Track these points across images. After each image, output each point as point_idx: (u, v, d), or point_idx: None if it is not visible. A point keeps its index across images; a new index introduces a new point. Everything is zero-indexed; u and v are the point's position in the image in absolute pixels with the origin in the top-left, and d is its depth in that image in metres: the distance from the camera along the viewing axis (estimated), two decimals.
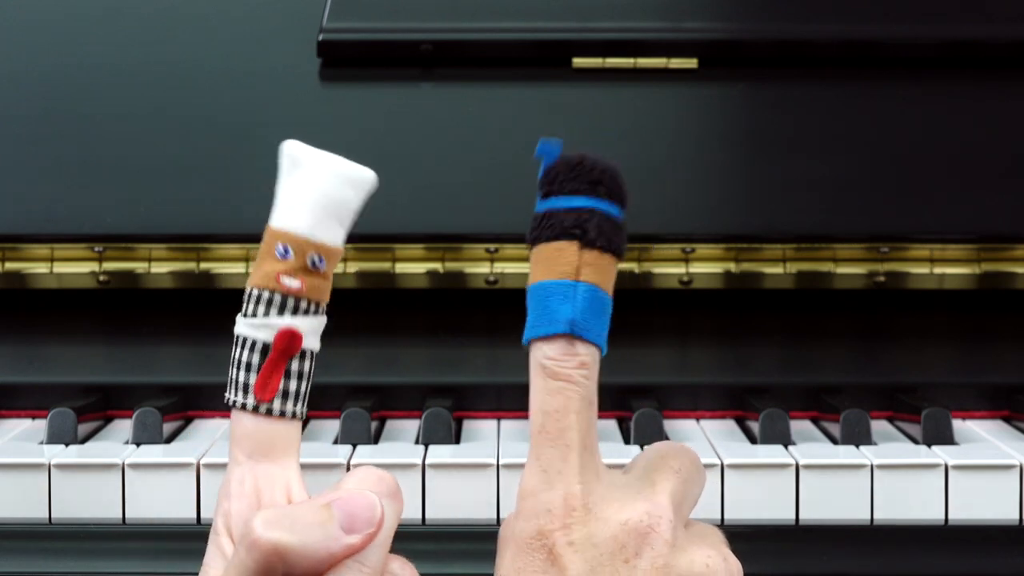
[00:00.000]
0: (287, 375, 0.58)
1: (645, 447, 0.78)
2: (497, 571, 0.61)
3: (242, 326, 0.59)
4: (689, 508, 0.61)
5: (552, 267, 0.58)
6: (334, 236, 0.60)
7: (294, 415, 0.58)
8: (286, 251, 0.59)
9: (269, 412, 0.58)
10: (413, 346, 0.91)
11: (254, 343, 0.59)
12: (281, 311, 0.59)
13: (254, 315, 0.58)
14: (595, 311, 0.58)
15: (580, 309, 0.58)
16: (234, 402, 0.58)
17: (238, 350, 0.59)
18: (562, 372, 0.58)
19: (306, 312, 0.59)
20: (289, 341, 0.59)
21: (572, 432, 0.58)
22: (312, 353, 0.59)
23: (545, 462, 0.58)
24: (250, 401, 0.58)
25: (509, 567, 0.59)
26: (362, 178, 0.60)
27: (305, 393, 0.58)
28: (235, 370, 0.59)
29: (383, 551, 0.53)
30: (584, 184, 0.59)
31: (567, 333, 0.58)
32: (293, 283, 0.59)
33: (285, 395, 0.58)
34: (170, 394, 0.87)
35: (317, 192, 0.60)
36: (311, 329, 0.59)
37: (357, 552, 0.51)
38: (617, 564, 0.57)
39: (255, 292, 0.59)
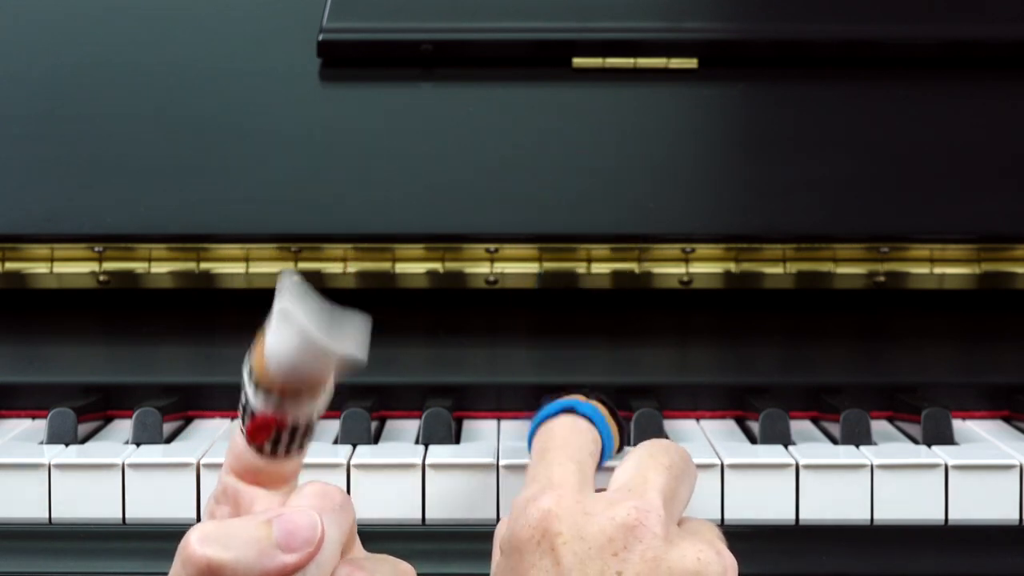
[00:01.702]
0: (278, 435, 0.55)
1: (636, 445, 0.78)
2: (492, 564, 0.62)
3: (245, 368, 0.55)
4: (681, 503, 0.62)
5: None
6: (310, 402, 0.56)
7: (288, 453, 0.55)
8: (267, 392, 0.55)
9: (259, 451, 0.55)
10: (413, 346, 0.91)
11: (247, 394, 0.55)
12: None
13: (248, 378, 0.55)
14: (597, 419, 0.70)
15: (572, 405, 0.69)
16: (239, 419, 0.56)
17: (243, 378, 0.55)
18: (572, 435, 0.68)
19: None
20: (265, 425, 0.55)
21: (565, 459, 0.65)
22: (310, 421, 0.55)
23: (541, 473, 0.63)
24: (244, 433, 0.56)
25: (503, 560, 0.60)
26: (345, 356, 0.56)
27: (303, 442, 0.55)
28: (241, 393, 0.55)
29: (327, 568, 0.52)
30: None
31: (593, 420, 0.68)
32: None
33: (276, 444, 0.55)
34: (170, 394, 0.87)
35: (296, 365, 0.55)
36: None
37: (294, 571, 0.50)
38: (606, 558, 0.58)
39: (251, 368, 0.55)
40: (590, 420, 0.68)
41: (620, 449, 0.73)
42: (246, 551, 0.50)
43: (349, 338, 0.56)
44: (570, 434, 0.66)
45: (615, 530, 0.58)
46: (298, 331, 0.55)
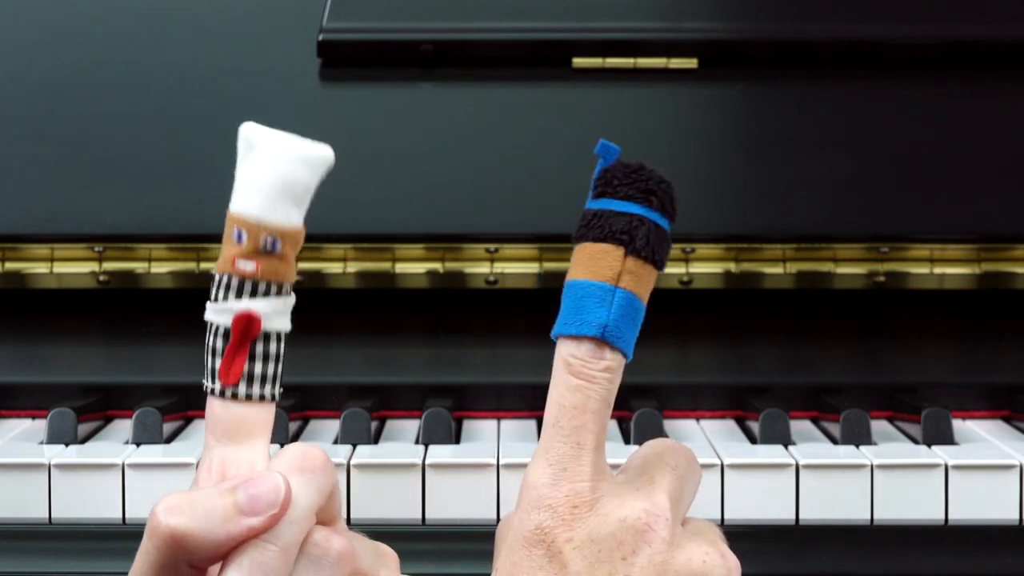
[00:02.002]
0: (251, 358, 0.58)
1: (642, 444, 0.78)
2: (495, 563, 0.61)
3: (208, 312, 0.58)
4: (686, 505, 0.62)
5: (594, 268, 0.58)
6: (288, 217, 0.60)
7: (262, 397, 0.57)
8: (240, 235, 0.60)
9: (235, 396, 0.58)
10: (413, 346, 0.91)
11: (217, 328, 0.58)
12: (239, 295, 0.59)
13: (215, 300, 0.58)
14: (628, 319, 0.59)
15: (615, 315, 0.58)
16: (205, 387, 0.58)
17: (208, 336, 0.58)
18: (586, 372, 0.59)
19: (266, 294, 0.59)
20: (247, 324, 0.58)
21: (586, 431, 0.59)
22: (280, 335, 0.58)
23: (554, 457, 0.58)
24: (217, 386, 0.58)
25: (506, 560, 0.59)
26: (317, 156, 0.61)
27: (275, 375, 0.58)
28: (207, 356, 0.58)
29: (298, 528, 0.53)
30: (639, 192, 0.59)
31: (597, 337, 0.58)
32: (248, 266, 0.59)
33: (250, 378, 0.58)
34: (170, 394, 0.87)
35: (269, 174, 0.61)
36: (273, 310, 0.58)
37: (260, 533, 0.51)
38: (615, 561, 0.57)
39: (216, 276, 0.58)
40: (623, 353, 0.59)
41: None
42: (210, 518, 0.51)
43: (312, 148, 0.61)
44: (571, 392, 0.59)
45: (624, 533, 0.58)
46: (270, 146, 0.62)
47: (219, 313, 0.58)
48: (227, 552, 0.52)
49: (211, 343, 0.58)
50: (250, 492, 0.52)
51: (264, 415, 0.58)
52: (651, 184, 0.59)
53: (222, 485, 0.53)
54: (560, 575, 0.57)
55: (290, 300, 0.58)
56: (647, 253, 0.58)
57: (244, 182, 0.61)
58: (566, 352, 0.59)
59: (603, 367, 0.58)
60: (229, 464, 0.57)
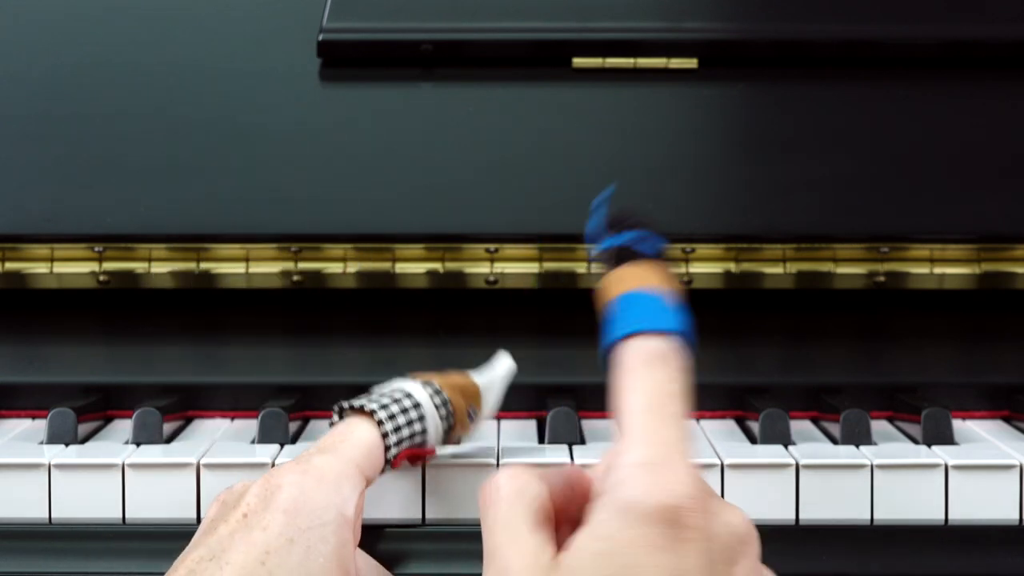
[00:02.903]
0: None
1: None
2: (597, 526, 0.55)
3: (423, 395, 0.70)
4: None
5: (637, 279, 0.63)
6: None
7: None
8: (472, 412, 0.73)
9: (385, 466, 0.69)
10: (413, 346, 0.91)
11: (423, 428, 0.70)
12: (446, 437, 0.72)
13: (435, 407, 0.71)
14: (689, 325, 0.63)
15: (667, 311, 0.62)
16: (381, 421, 0.67)
17: (412, 409, 0.69)
18: (679, 364, 0.60)
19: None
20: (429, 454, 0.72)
21: (682, 418, 0.58)
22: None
23: (664, 437, 0.56)
24: (391, 452, 0.68)
25: (619, 528, 0.54)
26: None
27: None
28: (404, 419, 0.68)
29: None
30: (638, 225, 0.67)
31: (683, 334, 0.61)
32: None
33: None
34: (170, 394, 0.87)
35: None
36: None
37: None
38: (720, 567, 0.55)
39: (446, 397, 0.71)
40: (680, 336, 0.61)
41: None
42: None
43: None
44: (680, 384, 0.59)
45: (730, 538, 0.56)
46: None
47: (433, 422, 0.71)
48: None
49: (415, 421, 0.69)
50: None
51: None
52: (638, 220, 0.67)
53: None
54: (680, 562, 0.53)
55: None
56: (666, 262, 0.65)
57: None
58: (654, 345, 0.60)
59: (686, 363, 0.60)
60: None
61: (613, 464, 0.56)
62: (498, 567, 0.56)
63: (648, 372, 0.59)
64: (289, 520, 0.59)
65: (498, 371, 0.76)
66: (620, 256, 0.65)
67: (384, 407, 0.68)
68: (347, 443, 0.65)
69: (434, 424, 0.70)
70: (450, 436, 0.72)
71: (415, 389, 0.70)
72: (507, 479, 0.59)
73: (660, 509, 0.54)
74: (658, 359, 0.59)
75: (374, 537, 0.72)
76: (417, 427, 0.69)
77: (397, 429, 0.68)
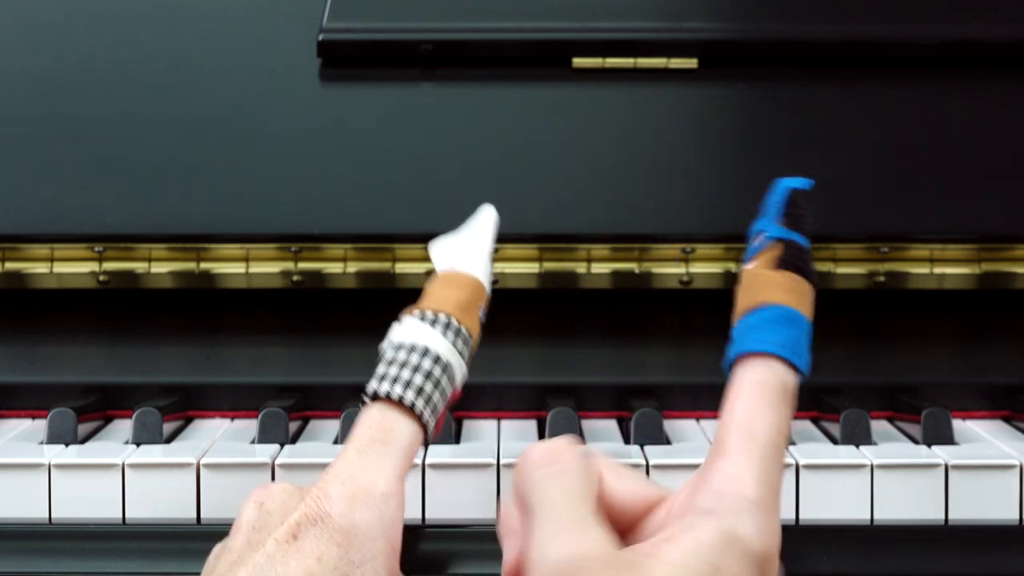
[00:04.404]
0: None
1: (638, 443, 0.78)
2: (699, 546, 0.54)
3: (443, 345, 0.65)
4: None
5: (801, 300, 0.61)
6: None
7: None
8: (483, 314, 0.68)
9: (426, 442, 0.65)
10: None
11: (451, 370, 0.66)
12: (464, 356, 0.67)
13: (456, 350, 0.66)
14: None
15: (809, 355, 0.60)
16: (421, 413, 0.64)
17: (436, 367, 0.65)
18: (793, 406, 0.59)
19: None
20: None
21: (779, 461, 0.57)
22: None
23: (774, 481, 0.56)
24: (431, 422, 0.64)
25: (725, 558, 0.53)
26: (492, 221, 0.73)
27: None
28: (438, 394, 0.65)
29: None
30: (808, 228, 0.63)
31: (804, 374, 0.60)
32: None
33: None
34: (170, 394, 0.87)
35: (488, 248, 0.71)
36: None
37: None
38: None
39: (461, 328, 0.66)
40: (796, 368, 0.60)
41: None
42: None
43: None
44: (789, 422, 0.58)
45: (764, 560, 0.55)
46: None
47: (452, 355, 0.66)
48: None
49: (438, 376, 0.65)
50: None
51: None
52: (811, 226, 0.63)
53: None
54: None
55: None
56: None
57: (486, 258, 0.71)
58: (787, 379, 0.59)
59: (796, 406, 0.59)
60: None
61: (714, 482, 0.55)
62: (559, 546, 0.53)
63: (783, 406, 0.58)
64: (344, 554, 0.58)
65: (485, 245, 0.71)
66: (782, 255, 0.61)
67: (419, 391, 0.63)
68: (393, 450, 0.62)
69: (461, 371, 0.67)
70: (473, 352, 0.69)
71: (435, 342, 0.65)
72: (572, 452, 0.57)
73: (765, 556, 0.54)
74: (792, 396, 0.59)
75: None
76: (447, 388, 0.65)
77: (435, 409, 0.64)
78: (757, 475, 0.55)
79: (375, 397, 0.64)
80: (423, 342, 0.65)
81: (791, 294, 0.60)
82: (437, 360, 0.65)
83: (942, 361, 0.92)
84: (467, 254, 0.70)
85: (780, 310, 0.60)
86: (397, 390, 0.63)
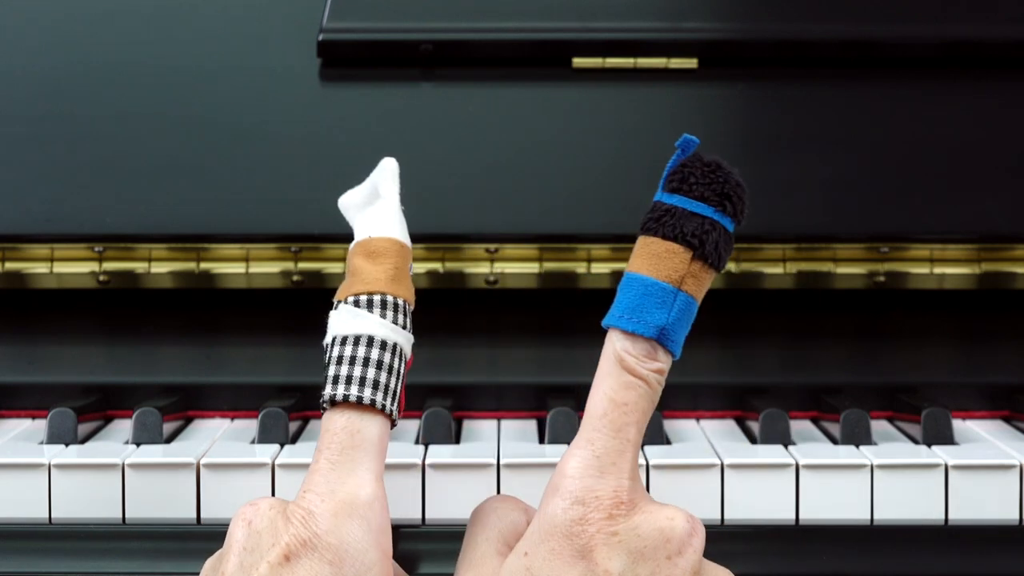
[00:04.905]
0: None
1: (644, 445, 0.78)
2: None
3: (384, 329, 0.64)
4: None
5: (660, 266, 0.59)
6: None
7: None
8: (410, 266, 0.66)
9: (393, 424, 0.64)
10: (413, 346, 0.91)
11: (396, 347, 0.64)
12: (406, 326, 0.65)
13: (399, 326, 0.64)
14: (684, 322, 0.61)
15: (673, 318, 0.60)
16: (383, 406, 0.63)
17: (385, 353, 0.63)
18: (640, 371, 0.59)
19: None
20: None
21: (633, 429, 0.60)
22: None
23: (600, 449, 0.59)
24: (394, 409, 0.63)
25: (539, 545, 0.59)
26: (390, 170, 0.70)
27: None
28: (395, 381, 0.63)
29: None
30: (714, 194, 0.60)
31: (654, 338, 0.60)
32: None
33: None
34: (170, 394, 0.87)
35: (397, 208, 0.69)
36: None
37: None
38: (660, 558, 0.57)
39: (398, 302, 0.64)
40: (672, 353, 0.61)
41: None
42: None
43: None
44: (645, 401, 0.61)
45: (672, 531, 0.58)
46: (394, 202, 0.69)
47: (400, 335, 0.64)
48: None
49: (390, 361, 0.63)
50: None
51: None
52: (727, 188, 0.60)
53: None
54: (593, 570, 0.56)
55: None
56: (713, 259, 0.59)
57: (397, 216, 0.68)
58: (621, 347, 0.60)
59: (656, 368, 0.60)
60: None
61: (557, 468, 0.60)
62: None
63: (616, 374, 0.60)
64: (336, 571, 0.58)
65: (391, 194, 0.69)
66: (643, 221, 0.60)
67: (375, 385, 0.63)
68: (364, 452, 0.62)
69: (408, 342, 0.65)
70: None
71: (376, 327, 0.64)
72: (493, 503, 0.64)
73: (570, 523, 0.58)
74: (621, 363, 0.60)
75: None
76: (400, 367, 0.64)
77: (394, 395, 0.63)
78: (579, 445, 0.59)
79: (333, 402, 0.63)
80: (366, 331, 0.64)
81: (642, 258, 0.60)
82: (383, 346, 0.63)
83: (942, 361, 0.92)
84: (379, 215, 0.68)
85: (625, 278, 0.60)
86: (354, 391, 0.62)
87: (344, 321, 0.64)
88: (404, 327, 0.65)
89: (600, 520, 0.58)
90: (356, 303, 0.64)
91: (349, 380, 0.63)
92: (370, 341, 0.63)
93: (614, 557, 0.57)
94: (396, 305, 0.64)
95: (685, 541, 0.58)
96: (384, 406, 0.63)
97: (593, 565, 0.57)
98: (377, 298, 0.64)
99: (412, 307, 0.66)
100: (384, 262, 0.65)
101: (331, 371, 0.64)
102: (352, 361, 0.63)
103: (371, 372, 0.63)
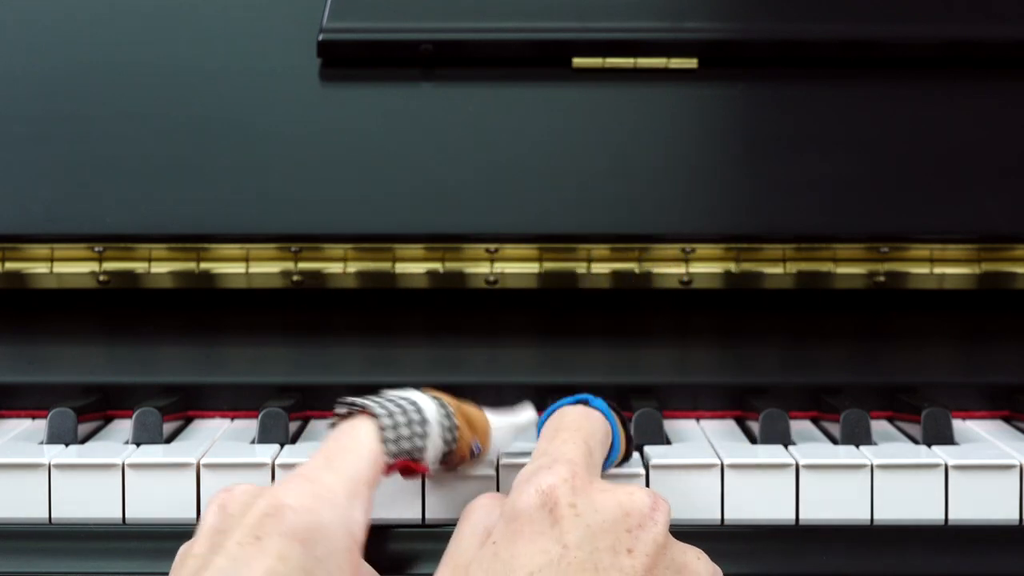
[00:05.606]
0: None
1: (637, 444, 0.78)
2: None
3: (431, 410, 0.68)
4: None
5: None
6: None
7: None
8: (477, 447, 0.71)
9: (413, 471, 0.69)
10: (413, 346, 0.91)
11: (424, 445, 0.68)
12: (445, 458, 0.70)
13: (440, 422, 0.68)
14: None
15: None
16: (385, 441, 0.66)
17: (417, 424, 0.67)
18: (576, 414, 0.70)
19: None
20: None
21: (571, 435, 0.66)
22: None
23: (550, 450, 0.65)
24: (386, 459, 0.66)
25: (504, 528, 0.61)
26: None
27: None
28: (407, 431, 0.67)
29: None
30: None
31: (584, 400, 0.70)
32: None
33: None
34: (170, 394, 0.87)
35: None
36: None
37: None
38: (619, 531, 0.58)
39: (453, 419, 0.69)
40: (603, 415, 0.70)
41: (626, 457, 0.73)
42: None
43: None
44: (583, 420, 0.68)
45: (632, 506, 0.60)
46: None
47: (435, 441, 0.68)
48: None
49: (446, 432, 0.68)
50: None
51: None
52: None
53: None
54: (561, 541, 0.57)
55: None
56: None
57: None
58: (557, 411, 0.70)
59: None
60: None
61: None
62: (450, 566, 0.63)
63: (559, 415, 0.69)
64: (307, 551, 0.58)
65: (516, 419, 0.74)
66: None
67: (390, 414, 0.66)
68: (353, 454, 0.64)
69: (435, 444, 0.68)
70: (449, 461, 0.70)
71: (425, 403, 0.68)
72: (482, 499, 0.66)
73: (522, 504, 0.60)
74: (559, 413, 0.70)
75: (375, 538, 0.72)
76: (419, 442, 0.67)
77: (397, 440, 0.66)
78: (533, 458, 0.66)
79: (348, 409, 0.67)
80: (418, 401, 0.68)
81: (556, 417, 0.71)
82: (422, 420, 0.67)
83: (942, 361, 0.92)
84: (495, 414, 0.74)
85: (545, 414, 0.72)
86: (366, 402, 0.66)
87: (412, 391, 0.70)
88: (443, 439, 0.68)
89: (560, 487, 0.60)
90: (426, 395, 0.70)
91: (373, 403, 0.67)
92: (415, 407, 0.68)
93: (572, 530, 0.58)
94: (450, 415, 0.69)
95: (646, 515, 0.60)
96: (384, 428, 0.66)
97: (553, 540, 0.58)
98: (447, 403, 0.70)
99: (455, 449, 0.70)
100: (469, 411, 0.71)
101: (366, 398, 0.68)
102: (388, 400, 0.68)
103: (395, 410, 0.67)
